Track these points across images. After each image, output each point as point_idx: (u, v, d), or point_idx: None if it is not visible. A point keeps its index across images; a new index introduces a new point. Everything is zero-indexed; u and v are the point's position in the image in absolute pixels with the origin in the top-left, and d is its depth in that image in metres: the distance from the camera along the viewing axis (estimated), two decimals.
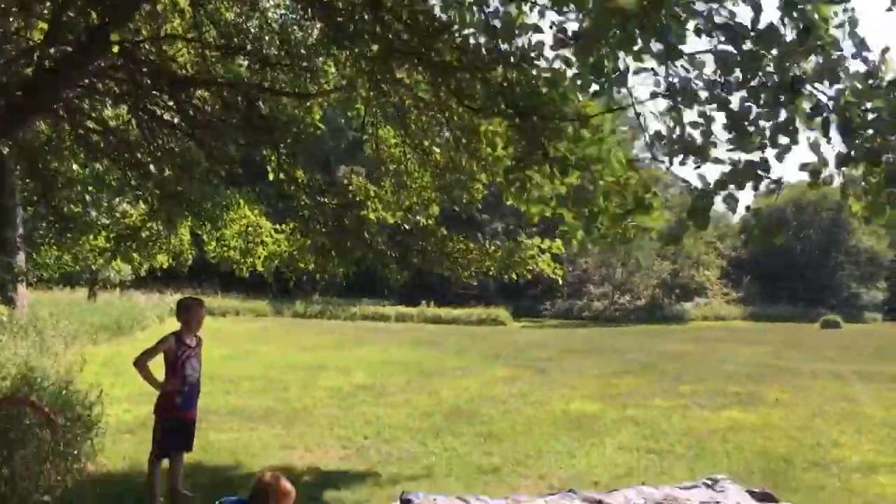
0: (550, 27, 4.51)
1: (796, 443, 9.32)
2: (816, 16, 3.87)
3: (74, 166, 9.07)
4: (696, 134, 4.12)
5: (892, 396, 13.22)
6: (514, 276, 8.40)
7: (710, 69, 4.10)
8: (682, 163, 4.17)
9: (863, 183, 4.26)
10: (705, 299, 45.63)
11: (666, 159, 4.15)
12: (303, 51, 7.95)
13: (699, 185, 4.34)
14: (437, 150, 8.39)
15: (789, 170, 53.05)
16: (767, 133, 4.11)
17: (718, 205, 4.43)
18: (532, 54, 4.98)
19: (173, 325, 6.67)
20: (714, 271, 47.11)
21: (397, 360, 17.49)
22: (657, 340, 26.14)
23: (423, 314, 36.64)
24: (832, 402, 12.51)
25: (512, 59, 5.00)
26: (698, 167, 4.12)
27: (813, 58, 3.98)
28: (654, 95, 4.20)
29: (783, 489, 7.24)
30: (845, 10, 3.95)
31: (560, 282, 9.84)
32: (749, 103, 4.04)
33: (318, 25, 7.74)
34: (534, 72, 5.04)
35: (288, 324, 29.96)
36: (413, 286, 39.78)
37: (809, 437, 9.67)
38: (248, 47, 8.00)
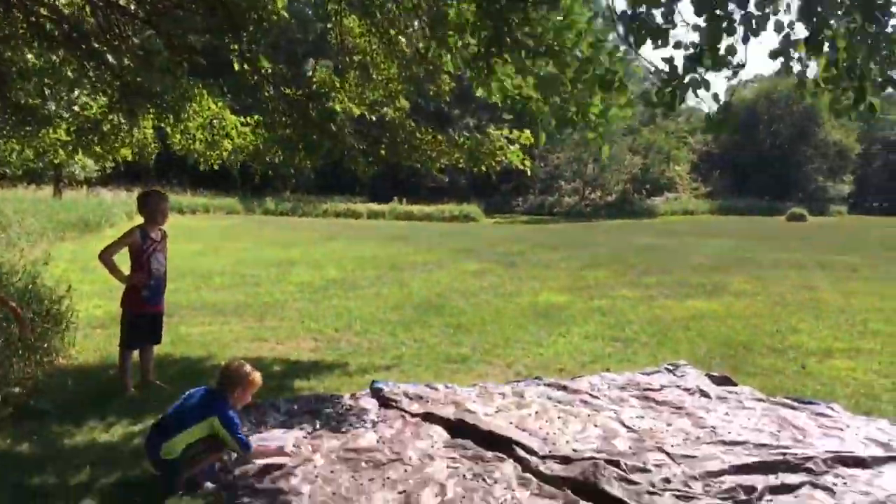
0: None
1: (756, 330, 9.60)
2: None
3: (29, 56, 8.73)
4: (658, 14, 4.04)
5: (850, 285, 13.59)
6: (482, 168, 8.35)
7: None
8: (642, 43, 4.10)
9: (822, 72, 4.25)
10: (675, 194, 46.06)
11: (632, 40, 4.07)
12: None
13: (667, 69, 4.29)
14: (404, 39, 8.16)
15: (762, 62, 52.46)
16: (736, 17, 4.05)
17: (690, 99, 4.41)
18: None
19: (139, 220, 6.60)
20: (684, 166, 47.38)
21: (368, 256, 17.58)
22: (626, 235, 26.46)
23: (395, 211, 36.65)
24: (793, 291, 12.83)
25: None
26: (657, 47, 4.06)
27: None
28: None
29: (742, 373, 7.50)
30: None
31: (529, 173, 9.81)
32: None
33: None
34: None
35: (258, 221, 29.86)
36: (385, 183, 39.70)
37: (769, 324, 9.95)
38: None
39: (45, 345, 6.92)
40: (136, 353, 6.58)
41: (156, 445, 4.59)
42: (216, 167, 9.61)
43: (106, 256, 6.23)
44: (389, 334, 9.19)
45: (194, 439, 4.58)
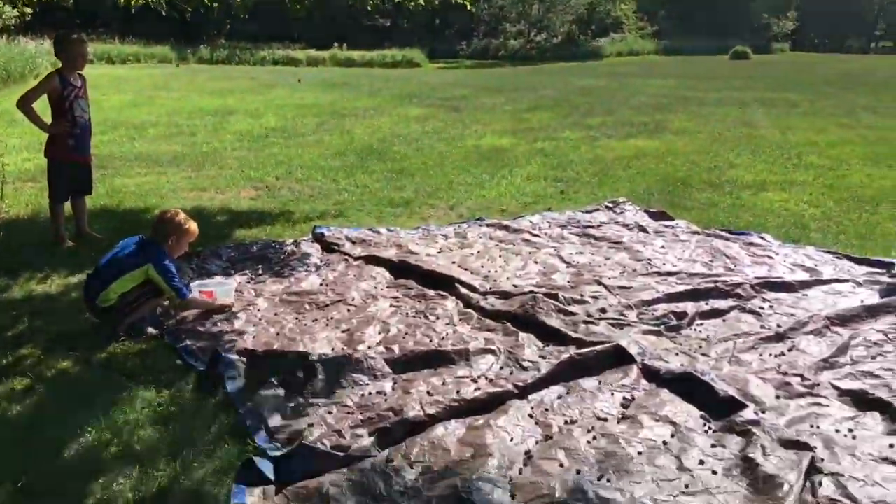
0: None
1: (695, 166, 9.74)
2: None
3: None
4: None
5: (788, 120, 13.77)
6: (421, 2, 8.02)
7: None
8: None
9: None
10: (620, 34, 45.34)
11: None
12: None
13: None
14: None
15: None
16: None
17: None
18: None
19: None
20: (630, 5, 46.41)
21: (309, 103, 17.13)
22: (571, 77, 26.17)
23: (336, 58, 35.52)
24: (732, 127, 12.96)
25: None
26: None
27: None
28: None
29: (679, 208, 7.65)
30: None
31: (472, 8, 9.45)
32: None
33: None
34: None
35: (193, 70, 28.69)
36: (325, 31, 38.21)
37: (707, 160, 10.09)
38: None
39: None
40: (68, 206, 6.41)
41: (92, 294, 4.55)
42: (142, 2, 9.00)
43: (25, 105, 5.92)
44: (331, 181, 9.09)
45: (129, 287, 4.55)
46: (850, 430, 3.29)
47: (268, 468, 3.08)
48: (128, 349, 4.34)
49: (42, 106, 6.04)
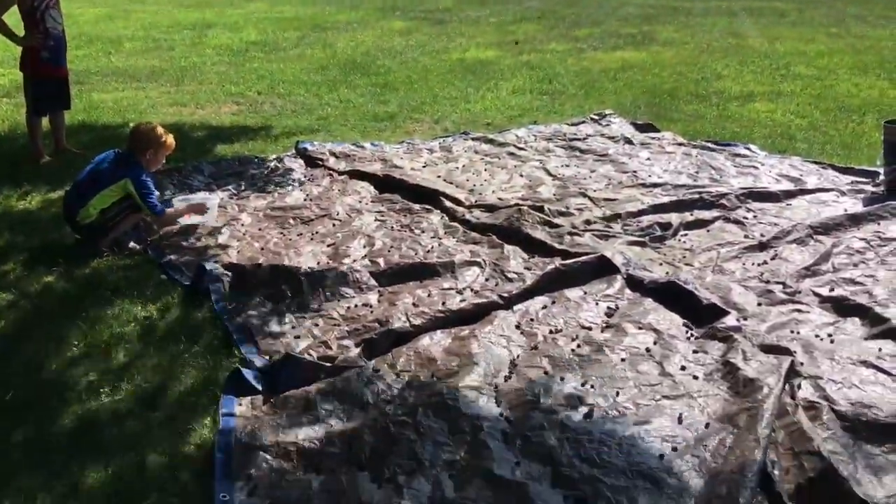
0: None
1: (682, 78, 9.61)
2: None
3: None
4: None
5: (777, 30, 13.56)
6: None
7: None
8: None
9: None
10: None
11: None
12: None
13: None
14: None
15: None
16: None
17: None
18: None
19: None
20: None
21: (290, 16, 16.68)
22: None
23: None
24: (720, 38, 12.75)
25: None
26: None
27: None
28: None
29: (665, 120, 7.58)
30: None
31: None
32: None
33: None
34: None
35: None
36: None
37: (695, 72, 9.96)
38: None
39: None
40: (46, 122, 6.28)
41: (73, 210, 4.50)
42: None
43: None
44: (314, 95, 8.93)
45: (109, 203, 4.49)
46: (830, 335, 3.34)
47: (255, 379, 3.11)
48: (112, 264, 4.32)
49: (14, 20, 5.85)
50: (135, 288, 4.02)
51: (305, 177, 5.91)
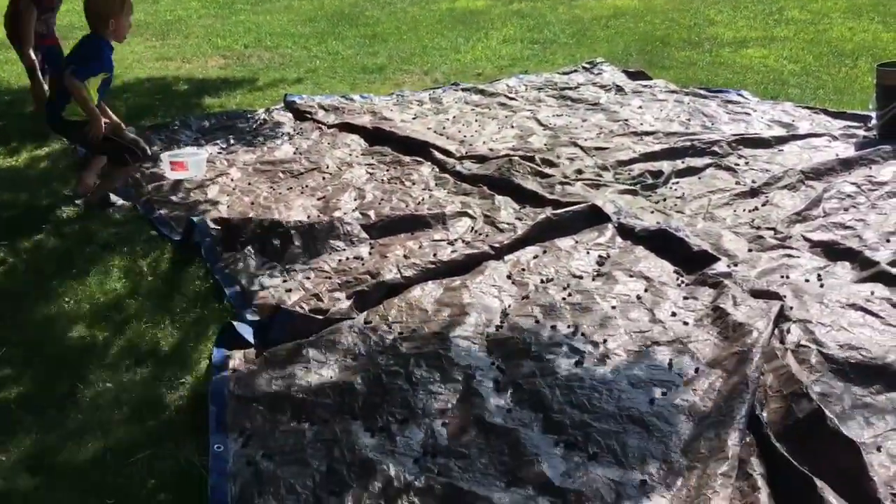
0: None
1: (674, 24, 9.48)
2: None
3: None
4: None
5: None
6: None
7: None
8: None
9: None
10: None
11: None
12: None
13: None
14: None
15: None
16: None
17: None
18: None
19: None
20: None
21: None
22: None
23: None
24: None
25: None
26: None
27: None
28: None
29: (657, 67, 7.50)
30: None
31: None
32: None
33: None
34: None
35: None
36: None
37: (687, 18, 9.82)
38: None
39: None
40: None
41: (55, 113, 4.37)
42: None
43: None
44: (302, 48, 8.82)
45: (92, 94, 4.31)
46: (820, 279, 3.35)
47: (247, 332, 3.11)
48: (102, 221, 4.30)
49: None
50: (125, 244, 4.01)
51: (294, 130, 5.86)
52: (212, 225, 4.06)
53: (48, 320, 3.34)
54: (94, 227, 4.22)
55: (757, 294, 3.23)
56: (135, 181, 4.78)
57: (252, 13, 11.03)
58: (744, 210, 4.17)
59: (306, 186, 4.73)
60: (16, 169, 5.07)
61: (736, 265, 3.53)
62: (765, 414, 2.51)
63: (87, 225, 4.24)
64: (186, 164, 4.87)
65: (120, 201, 4.52)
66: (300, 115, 6.17)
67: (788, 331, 2.96)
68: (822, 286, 3.30)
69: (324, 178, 4.86)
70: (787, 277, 3.39)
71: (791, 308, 3.12)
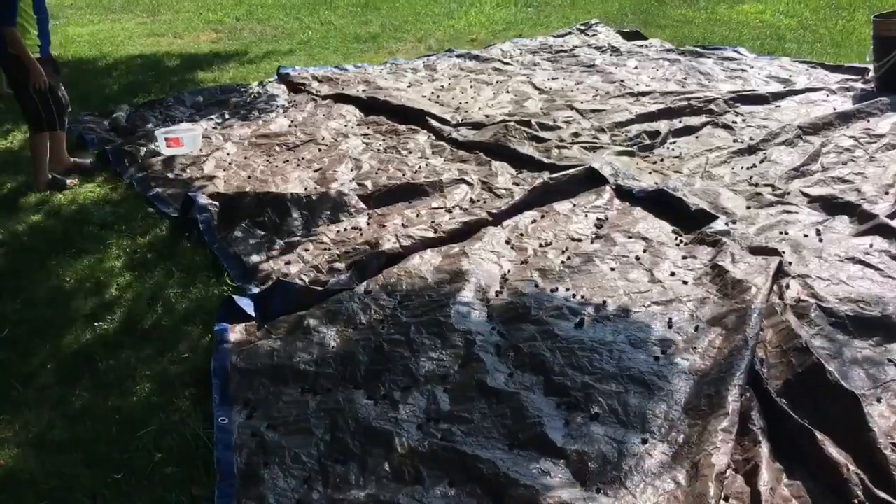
0: None
1: None
2: None
3: None
4: None
5: None
6: None
7: None
8: None
9: None
10: None
11: None
12: None
13: None
14: None
15: None
16: None
17: None
18: None
19: None
20: None
21: None
22: None
23: None
24: None
25: None
26: None
27: None
28: None
29: (653, 27, 7.45)
30: None
31: None
32: None
33: None
34: None
35: None
36: None
37: None
38: None
39: None
40: None
41: None
42: None
43: None
44: (294, 19, 8.75)
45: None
46: (818, 234, 3.35)
47: (248, 305, 3.12)
48: (98, 199, 4.29)
49: None
50: (122, 222, 4.01)
51: (289, 102, 5.83)
52: (208, 200, 4.05)
53: (50, 300, 3.35)
54: (91, 207, 4.21)
55: (756, 251, 3.23)
56: (130, 157, 4.77)
57: None
58: (742, 167, 4.15)
59: (302, 159, 4.72)
60: (11, 151, 5.05)
61: (734, 223, 3.53)
62: (765, 369, 2.52)
63: (85, 205, 4.24)
64: (182, 139, 4.86)
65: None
66: (294, 87, 6.13)
67: (788, 286, 2.96)
68: (820, 241, 3.30)
69: (320, 150, 4.84)
70: (786, 233, 3.39)
71: (790, 264, 3.12)
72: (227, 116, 5.57)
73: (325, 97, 5.83)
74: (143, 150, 4.90)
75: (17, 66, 4.20)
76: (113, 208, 4.18)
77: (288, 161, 4.71)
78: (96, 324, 3.15)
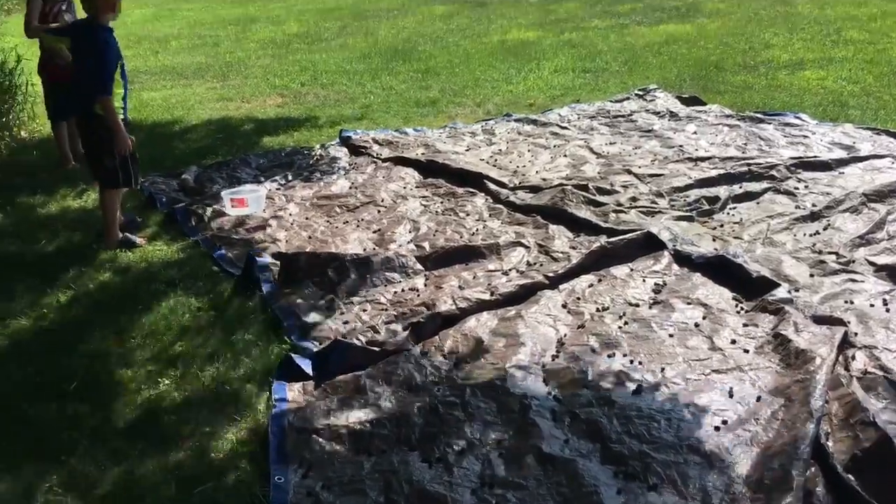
0: None
1: (728, 48, 9.41)
2: None
3: None
4: None
5: None
6: None
7: None
8: None
9: None
10: None
11: None
12: None
13: None
14: None
15: None
16: None
17: None
18: None
19: None
20: None
21: (331, 7, 16.76)
22: None
23: None
24: (768, 6, 12.42)
25: None
26: None
27: None
28: None
29: (712, 92, 7.45)
30: None
31: None
32: None
33: None
34: None
35: None
36: None
37: (742, 42, 9.74)
38: None
39: (4, 119, 6.73)
40: None
41: (85, 101, 4.43)
42: None
43: (31, 32, 5.79)
44: (357, 84, 8.98)
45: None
46: (885, 304, 3.26)
47: (306, 365, 3.16)
48: (165, 259, 4.42)
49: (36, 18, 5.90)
50: (187, 280, 4.12)
51: (350, 165, 5.96)
52: (270, 260, 4.14)
53: (116, 355, 3.44)
54: (159, 265, 4.34)
55: (820, 320, 3.16)
56: (196, 217, 4.92)
57: (308, 52, 11.28)
58: (804, 234, 4.09)
59: (362, 220, 4.80)
60: (85, 210, 5.25)
61: (797, 291, 3.46)
62: (830, 443, 2.45)
63: (152, 263, 4.37)
64: (246, 200, 5.00)
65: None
66: (355, 149, 6.28)
67: (853, 357, 2.89)
68: (887, 311, 3.22)
69: (379, 211, 4.92)
70: (851, 303, 3.31)
71: (856, 334, 3.05)
72: (290, 178, 5.71)
73: (385, 160, 5.95)
74: (209, 209, 5.05)
75: (104, 129, 4.40)
76: (179, 267, 4.30)
77: (348, 222, 4.80)
78: (159, 380, 3.22)
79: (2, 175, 5.98)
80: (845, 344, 2.97)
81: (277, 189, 5.49)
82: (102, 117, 4.37)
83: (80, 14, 4.86)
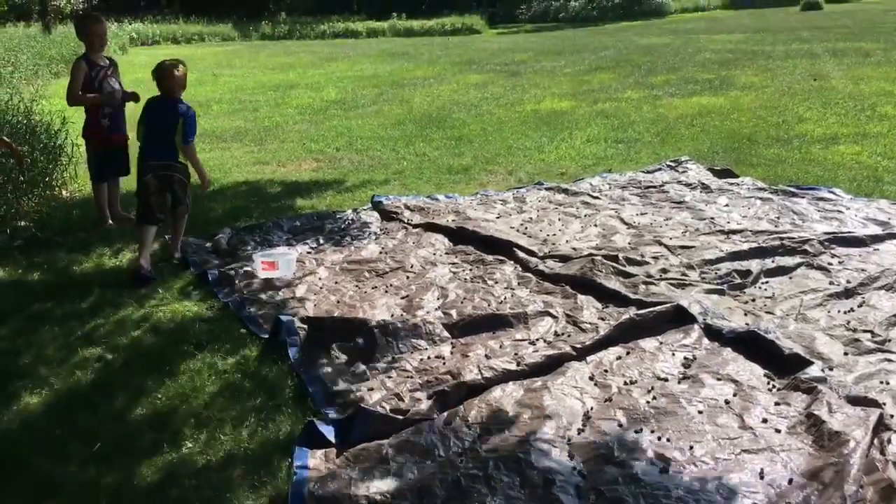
0: None
1: (761, 122, 9.44)
2: None
3: None
4: None
5: (861, 71, 13.20)
6: None
7: None
8: None
9: None
10: None
11: None
12: None
13: None
14: None
15: None
16: None
17: None
18: None
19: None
20: None
21: (368, 74, 17.17)
22: (633, 36, 25.57)
23: (395, 27, 35.35)
24: (801, 81, 12.50)
25: None
26: None
27: None
28: None
29: (744, 165, 7.45)
30: None
31: None
32: None
33: None
34: None
35: (255, 46, 28.97)
36: (383, 1, 38.21)
37: (775, 115, 9.77)
38: None
39: (47, 178, 6.92)
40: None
41: (168, 154, 5.42)
42: None
43: (73, 101, 6.01)
44: (391, 150, 9.12)
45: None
46: None
47: (329, 431, 3.14)
48: (196, 317, 4.46)
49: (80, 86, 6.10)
50: (216, 342, 4.14)
51: (381, 230, 6.01)
52: (298, 323, 4.16)
53: (141, 417, 3.45)
54: (188, 324, 4.38)
55: (854, 401, 3.08)
56: (227, 279, 4.97)
57: (344, 118, 11.51)
58: (838, 311, 4.02)
59: (391, 285, 4.82)
60: (120, 269, 5.34)
61: (831, 369, 3.39)
62: None
63: (182, 322, 4.42)
64: (277, 263, 5.05)
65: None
66: (387, 215, 6.34)
67: (889, 441, 2.81)
68: None
69: (408, 277, 4.94)
70: (887, 383, 3.23)
71: (892, 416, 2.96)
72: (321, 241, 5.77)
73: (415, 226, 6.00)
74: (240, 271, 5.10)
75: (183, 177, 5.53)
76: (208, 327, 4.34)
77: (376, 287, 4.82)
78: (180, 443, 3.22)
79: (40, 232, 6.11)
80: (880, 426, 2.89)
81: (308, 252, 5.55)
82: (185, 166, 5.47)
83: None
